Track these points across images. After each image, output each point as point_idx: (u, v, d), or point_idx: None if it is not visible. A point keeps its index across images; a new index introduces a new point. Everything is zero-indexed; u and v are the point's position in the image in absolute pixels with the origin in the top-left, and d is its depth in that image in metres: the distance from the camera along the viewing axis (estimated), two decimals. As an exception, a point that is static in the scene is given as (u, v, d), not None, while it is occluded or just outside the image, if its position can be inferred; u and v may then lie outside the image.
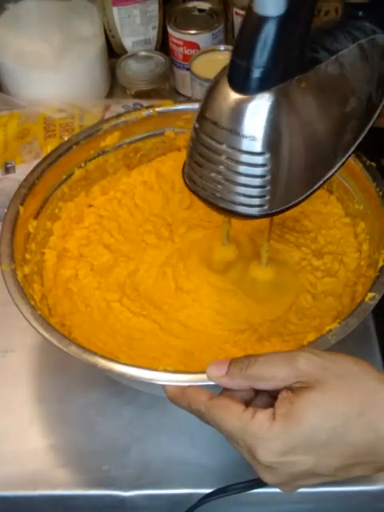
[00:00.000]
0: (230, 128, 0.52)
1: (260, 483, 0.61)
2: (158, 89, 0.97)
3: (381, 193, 0.68)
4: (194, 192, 0.58)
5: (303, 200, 0.57)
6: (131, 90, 0.97)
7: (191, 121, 0.78)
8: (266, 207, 0.55)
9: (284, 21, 0.48)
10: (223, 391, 0.52)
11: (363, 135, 0.60)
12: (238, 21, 0.97)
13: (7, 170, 0.85)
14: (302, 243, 0.73)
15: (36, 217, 0.71)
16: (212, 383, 0.53)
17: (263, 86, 0.50)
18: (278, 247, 0.72)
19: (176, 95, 1.01)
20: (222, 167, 0.54)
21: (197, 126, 0.55)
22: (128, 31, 1.01)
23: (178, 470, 0.65)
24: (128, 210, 0.77)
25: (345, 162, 0.59)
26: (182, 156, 0.81)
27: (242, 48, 0.50)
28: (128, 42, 1.02)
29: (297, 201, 0.57)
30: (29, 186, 0.71)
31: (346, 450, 0.47)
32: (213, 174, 0.55)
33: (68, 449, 0.68)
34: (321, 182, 0.58)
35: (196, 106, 0.79)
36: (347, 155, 0.59)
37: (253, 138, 0.52)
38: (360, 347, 0.71)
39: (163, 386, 0.54)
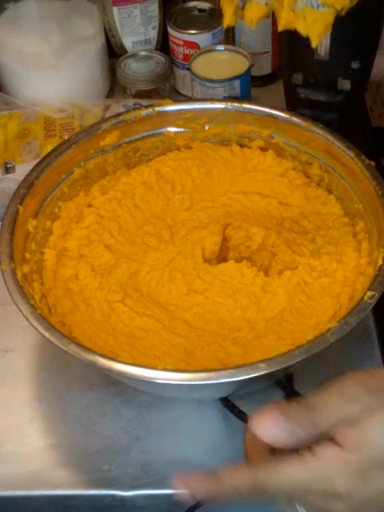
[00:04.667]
0: None
1: None
2: (157, 89, 0.97)
3: (380, 192, 0.68)
4: None
5: None
6: (131, 89, 0.97)
7: (191, 120, 0.80)
8: None
9: None
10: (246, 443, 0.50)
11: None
12: (238, 20, 0.97)
13: (7, 170, 0.85)
14: (300, 244, 0.72)
15: (35, 216, 0.72)
16: (212, 382, 0.53)
17: None
18: (275, 251, 0.72)
19: (176, 95, 1.01)
20: None
21: None
22: (128, 31, 1.01)
23: (178, 470, 0.65)
24: (128, 211, 0.77)
25: None
26: (182, 156, 0.81)
27: None
28: (128, 42, 1.02)
29: None
30: (28, 186, 0.71)
31: None
32: None
33: (68, 449, 0.67)
34: None
35: (196, 105, 0.81)
36: None
37: None
38: (360, 347, 0.71)
39: (190, 495, 0.50)
